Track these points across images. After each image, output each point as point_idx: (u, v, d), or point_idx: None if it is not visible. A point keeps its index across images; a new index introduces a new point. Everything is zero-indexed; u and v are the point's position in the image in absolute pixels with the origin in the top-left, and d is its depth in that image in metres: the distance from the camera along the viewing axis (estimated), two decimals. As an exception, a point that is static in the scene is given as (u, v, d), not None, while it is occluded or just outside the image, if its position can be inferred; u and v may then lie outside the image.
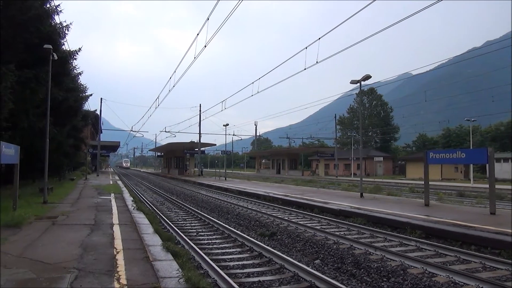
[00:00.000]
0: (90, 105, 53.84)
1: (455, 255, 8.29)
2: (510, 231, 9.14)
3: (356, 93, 70.62)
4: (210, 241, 10.05)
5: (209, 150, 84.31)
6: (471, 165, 41.48)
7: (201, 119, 48.95)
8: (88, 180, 34.73)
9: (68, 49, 21.63)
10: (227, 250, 9.06)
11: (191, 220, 13.75)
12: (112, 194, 19.70)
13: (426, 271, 7.11)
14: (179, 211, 16.29)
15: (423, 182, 16.58)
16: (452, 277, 6.65)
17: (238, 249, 9.17)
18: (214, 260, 7.63)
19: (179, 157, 62.16)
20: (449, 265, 7.62)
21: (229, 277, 6.44)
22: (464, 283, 6.43)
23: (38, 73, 16.61)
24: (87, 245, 7.61)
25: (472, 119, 44.66)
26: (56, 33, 18.90)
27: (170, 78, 23.74)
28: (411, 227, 10.90)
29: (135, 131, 58.69)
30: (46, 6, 18.13)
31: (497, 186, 16.23)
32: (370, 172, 65.44)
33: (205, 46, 14.40)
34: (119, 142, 64.11)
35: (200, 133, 50.34)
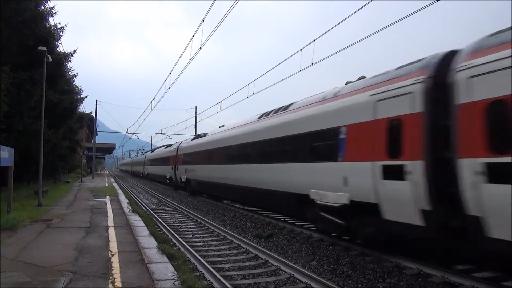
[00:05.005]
0: (86, 107, 53.71)
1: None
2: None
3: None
4: (205, 243, 10.04)
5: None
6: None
7: (197, 121, 48.60)
8: (84, 182, 34.56)
9: (63, 51, 21.59)
10: (222, 252, 9.06)
11: (187, 222, 13.71)
12: (108, 197, 19.62)
13: (421, 272, 7.13)
14: (174, 213, 16.25)
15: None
16: (447, 278, 6.67)
17: (234, 251, 9.17)
18: (209, 262, 7.62)
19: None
20: (444, 265, 7.63)
21: (224, 279, 6.45)
22: (459, 283, 6.46)
23: (33, 75, 16.56)
24: (82, 247, 7.58)
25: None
26: (51, 35, 18.87)
27: (166, 79, 23.63)
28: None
29: (130, 133, 58.45)
30: (40, 8, 18.11)
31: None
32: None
33: (200, 48, 14.34)
34: (115, 144, 63.86)
35: (196, 135, 50.17)
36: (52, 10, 18.63)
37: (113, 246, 7.80)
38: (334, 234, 9.99)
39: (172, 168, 29.98)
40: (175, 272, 5.96)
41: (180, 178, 27.23)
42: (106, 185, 31.82)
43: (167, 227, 11.95)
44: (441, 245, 7.38)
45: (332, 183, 8.98)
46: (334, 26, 11.16)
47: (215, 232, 11.53)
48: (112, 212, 13.50)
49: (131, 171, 76.87)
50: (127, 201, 17.95)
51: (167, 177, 32.26)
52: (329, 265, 7.91)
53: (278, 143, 12.35)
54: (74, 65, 35.81)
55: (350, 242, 9.58)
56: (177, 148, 29.69)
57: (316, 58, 12.79)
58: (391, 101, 7.53)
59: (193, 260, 7.80)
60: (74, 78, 28.85)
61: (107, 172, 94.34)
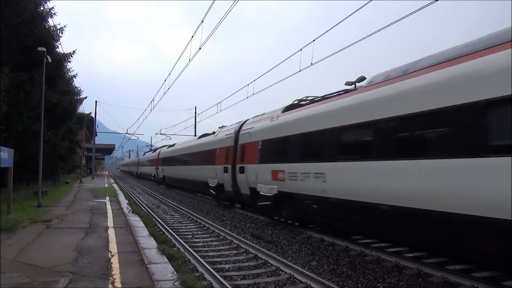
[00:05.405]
0: (85, 107, 53.69)
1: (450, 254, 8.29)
2: None
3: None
4: (205, 244, 10.03)
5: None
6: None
7: (197, 121, 48.59)
8: (83, 183, 34.53)
9: (63, 52, 21.59)
10: (222, 253, 9.06)
11: (187, 223, 13.71)
12: (107, 197, 19.61)
13: (421, 272, 7.13)
14: (174, 214, 16.24)
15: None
16: (447, 277, 6.68)
17: (234, 251, 9.17)
18: (209, 263, 7.62)
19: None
20: (444, 265, 7.64)
21: (224, 279, 6.45)
22: (459, 283, 6.47)
23: (32, 75, 16.56)
24: (81, 248, 7.57)
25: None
26: (50, 36, 18.89)
27: (165, 80, 23.66)
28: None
29: (130, 134, 58.40)
30: (40, 8, 18.12)
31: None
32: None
33: (200, 48, 14.38)
34: (114, 144, 63.86)
35: (196, 135, 50.16)
36: (51, 10, 18.65)
37: (113, 246, 7.79)
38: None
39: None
40: (175, 272, 5.96)
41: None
42: (106, 185, 31.79)
43: (167, 227, 11.94)
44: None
45: None
46: (333, 26, 11.16)
47: (215, 232, 11.52)
48: (112, 212, 13.49)
49: (136, 173, 61.10)
50: (127, 201, 17.95)
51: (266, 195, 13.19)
52: (329, 265, 7.91)
53: None
54: (74, 66, 35.84)
55: (350, 242, 9.59)
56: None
57: (316, 58, 12.80)
58: None
59: (193, 261, 7.79)
60: (74, 79, 28.85)
61: (107, 172, 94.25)
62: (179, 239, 9.90)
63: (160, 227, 12.15)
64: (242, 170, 15.18)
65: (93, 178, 44.12)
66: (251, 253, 8.74)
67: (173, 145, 35.94)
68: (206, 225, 12.71)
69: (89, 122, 46.99)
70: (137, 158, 67.43)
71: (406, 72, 7.89)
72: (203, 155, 21.60)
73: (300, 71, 13.78)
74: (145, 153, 63.78)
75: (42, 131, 15.48)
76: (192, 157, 24.71)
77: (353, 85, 12.39)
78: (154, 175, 40.53)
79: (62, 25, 19.95)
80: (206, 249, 9.39)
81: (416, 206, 6.85)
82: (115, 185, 33.45)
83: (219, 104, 28.60)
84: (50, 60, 15.80)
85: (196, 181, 22.99)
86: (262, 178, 13.39)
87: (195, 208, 18.56)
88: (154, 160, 42.17)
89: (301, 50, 13.09)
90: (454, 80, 6.45)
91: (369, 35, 10.78)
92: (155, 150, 49.11)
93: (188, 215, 15.51)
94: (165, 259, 6.88)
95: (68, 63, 23.19)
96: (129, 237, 9.00)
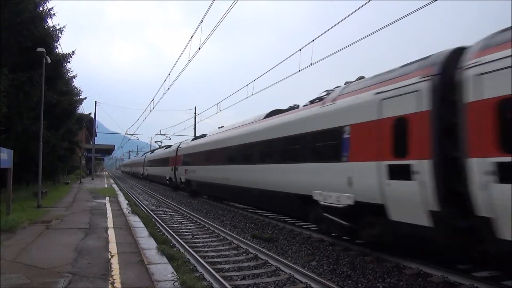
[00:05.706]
0: (85, 108, 53.58)
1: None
2: None
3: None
4: (205, 244, 10.03)
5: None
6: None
7: (196, 122, 48.50)
8: (83, 183, 34.49)
9: (62, 52, 21.56)
10: (222, 253, 9.06)
11: (187, 223, 13.70)
12: (107, 198, 19.58)
13: (421, 272, 7.13)
14: (174, 214, 16.23)
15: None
16: (447, 277, 6.67)
17: (234, 252, 9.17)
18: (209, 263, 7.62)
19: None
20: (444, 265, 7.64)
21: (224, 279, 6.45)
22: (459, 283, 6.46)
23: (32, 76, 16.55)
24: (81, 249, 7.56)
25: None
26: (50, 36, 18.87)
27: (165, 80, 23.61)
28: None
29: (130, 134, 58.29)
30: (39, 9, 18.10)
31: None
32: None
33: (199, 49, 14.37)
34: (114, 145, 63.79)
35: (195, 136, 50.09)
36: (50, 11, 18.63)
37: (113, 247, 7.78)
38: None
39: None
40: (175, 273, 5.95)
41: None
42: (106, 186, 31.77)
43: (167, 228, 11.94)
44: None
45: None
46: (333, 26, 11.19)
47: (215, 232, 11.52)
48: (112, 213, 13.48)
49: (142, 175, 51.47)
50: (127, 202, 17.93)
51: None
52: (329, 265, 7.91)
53: None
54: (73, 66, 35.75)
55: (350, 242, 9.58)
56: None
57: (315, 58, 12.80)
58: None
59: (193, 261, 7.79)
60: (73, 79, 28.86)
61: (107, 173, 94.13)
62: (179, 240, 9.90)
63: (160, 227, 12.15)
64: None
65: (92, 179, 44.08)
66: (251, 253, 8.74)
67: (201, 136, 26.18)
68: (206, 226, 12.70)
69: (88, 122, 46.94)
70: (143, 156, 55.61)
71: None
72: (299, 144, 11.31)
73: (299, 71, 13.78)
74: (153, 150, 54.22)
75: (41, 131, 15.47)
76: (262, 149, 14.06)
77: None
78: (170, 178, 31.03)
79: (61, 26, 19.92)
80: (206, 249, 9.39)
81: None
82: (115, 186, 33.42)
83: (218, 104, 28.48)
84: (49, 60, 15.80)
85: (276, 192, 12.40)
86: None
87: (195, 208, 18.56)
88: (170, 158, 31.98)
89: (300, 50, 13.09)
90: None
91: (369, 35, 10.80)
92: (168, 146, 40.31)
93: (188, 215, 15.51)
94: (165, 260, 6.87)
95: (68, 64, 23.13)
96: (129, 237, 8.99)
